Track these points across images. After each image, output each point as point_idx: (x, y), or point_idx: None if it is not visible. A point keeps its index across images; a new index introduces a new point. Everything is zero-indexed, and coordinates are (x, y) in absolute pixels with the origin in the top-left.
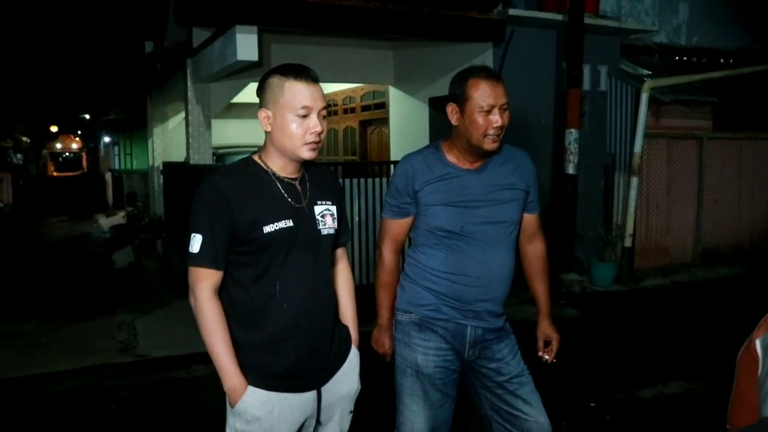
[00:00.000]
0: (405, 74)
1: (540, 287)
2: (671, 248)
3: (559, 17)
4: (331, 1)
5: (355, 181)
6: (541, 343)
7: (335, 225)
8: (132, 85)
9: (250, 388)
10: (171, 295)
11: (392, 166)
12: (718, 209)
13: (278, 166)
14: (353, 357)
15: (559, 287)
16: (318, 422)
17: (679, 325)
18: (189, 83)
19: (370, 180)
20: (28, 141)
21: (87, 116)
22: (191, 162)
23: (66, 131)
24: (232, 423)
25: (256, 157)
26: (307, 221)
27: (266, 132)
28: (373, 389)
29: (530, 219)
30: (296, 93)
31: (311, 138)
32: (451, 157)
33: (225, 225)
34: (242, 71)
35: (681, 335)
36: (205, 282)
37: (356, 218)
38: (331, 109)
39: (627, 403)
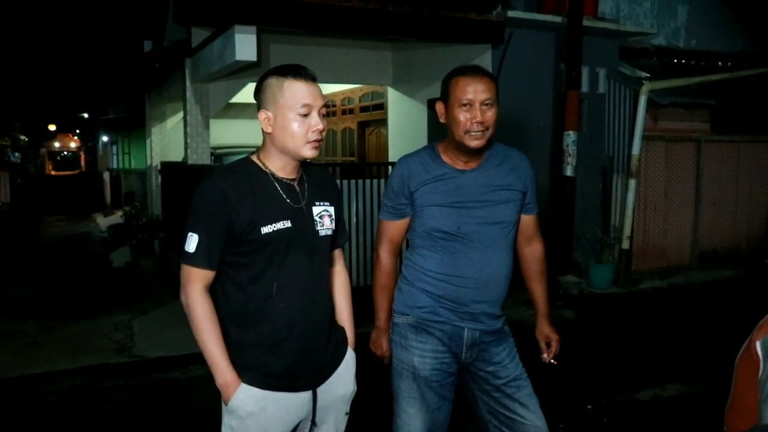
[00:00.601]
0: (404, 75)
1: (538, 289)
2: (669, 251)
3: (558, 19)
4: (330, 1)
5: (353, 182)
6: (543, 345)
7: (333, 226)
8: (131, 85)
9: (244, 386)
10: (168, 296)
11: (390, 167)
12: (715, 212)
13: (277, 166)
14: (349, 358)
15: (557, 289)
16: (313, 423)
17: (676, 328)
18: (187, 83)
19: (368, 181)
20: (26, 140)
21: (85, 115)
22: (189, 162)
23: (64, 130)
24: (227, 421)
25: (254, 158)
26: (306, 222)
27: (266, 133)
28: (369, 391)
29: (528, 220)
30: (296, 92)
31: (313, 136)
32: (446, 158)
33: (222, 225)
34: (241, 71)
35: (678, 338)
36: (197, 281)
37: (354, 219)
38: (329, 110)
39: (624, 406)
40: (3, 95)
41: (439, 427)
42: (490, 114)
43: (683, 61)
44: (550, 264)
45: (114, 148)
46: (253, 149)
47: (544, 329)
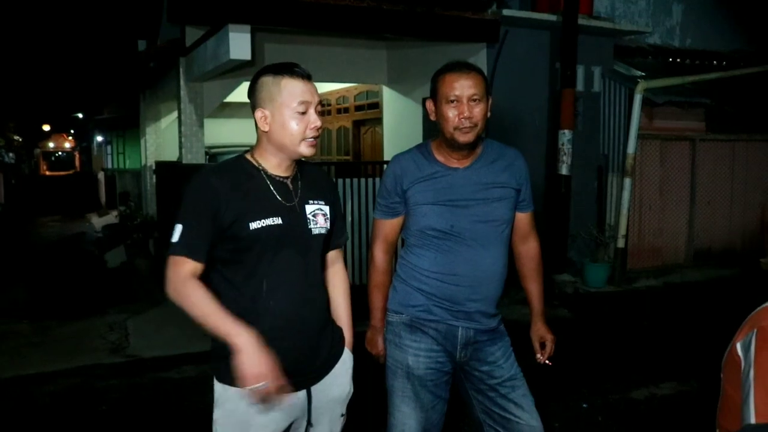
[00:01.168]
0: (399, 74)
1: (534, 288)
2: (664, 249)
3: (553, 18)
4: (325, 0)
5: (348, 181)
6: (537, 345)
7: (327, 225)
8: (125, 84)
9: (235, 391)
10: (163, 296)
11: (386, 166)
12: (710, 211)
13: (272, 164)
14: (347, 359)
15: (552, 288)
16: (309, 424)
17: (671, 327)
18: (182, 82)
19: (363, 180)
20: (21, 140)
21: (80, 115)
22: (184, 161)
23: (58, 130)
24: (217, 416)
25: (248, 156)
26: (298, 220)
27: (263, 131)
28: (367, 391)
29: (523, 218)
30: (294, 90)
31: (311, 134)
32: (439, 156)
33: (207, 219)
34: (235, 70)
35: (673, 336)
36: (180, 268)
37: (349, 218)
38: (324, 108)
39: (619, 405)
40: None
41: (433, 426)
42: (478, 110)
43: (678, 59)
44: (545, 263)
45: (108, 148)
46: (248, 148)
47: (539, 329)
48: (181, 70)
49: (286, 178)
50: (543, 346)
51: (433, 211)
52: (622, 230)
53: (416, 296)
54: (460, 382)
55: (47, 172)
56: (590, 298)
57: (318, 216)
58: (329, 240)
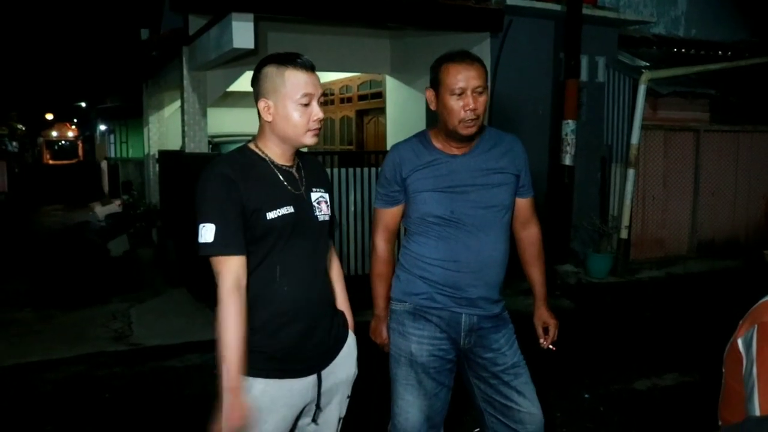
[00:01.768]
0: (402, 64)
1: (536, 273)
2: (667, 240)
3: (557, 7)
4: None
5: (351, 170)
6: (540, 330)
7: (329, 212)
8: (128, 73)
9: (249, 379)
10: (166, 284)
11: None
12: (714, 202)
13: (276, 154)
14: (351, 341)
15: (555, 278)
16: (318, 407)
17: (674, 318)
18: (185, 71)
19: (366, 169)
20: (24, 129)
21: (83, 104)
22: (187, 150)
23: (62, 119)
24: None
25: (252, 146)
26: (306, 208)
27: (266, 122)
28: (369, 376)
29: (523, 204)
30: (298, 82)
31: (314, 125)
32: (437, 144)
33: (237, 210)
34: (238, 59)
35: (676, 328)
36: (227, 270)
37: (352, 208)
38: (327, 98)
39: (621, 395)
40: (0, 84)
41: (437, 413)
42: (482, 100)
43: (683, 50)
44: (548, 253)
45: (111, 137)
46: (251, 138)
47: (543, 314)
48: (184, 59)
49: (291, 167)
50: (546, 331)
51: (432, 197)
52: (625, 221)
53: (419, 284)
54: (463, 369)
55: (50, 161)
56: (593, 288)
57: (321, 203)
58: (331, 226)
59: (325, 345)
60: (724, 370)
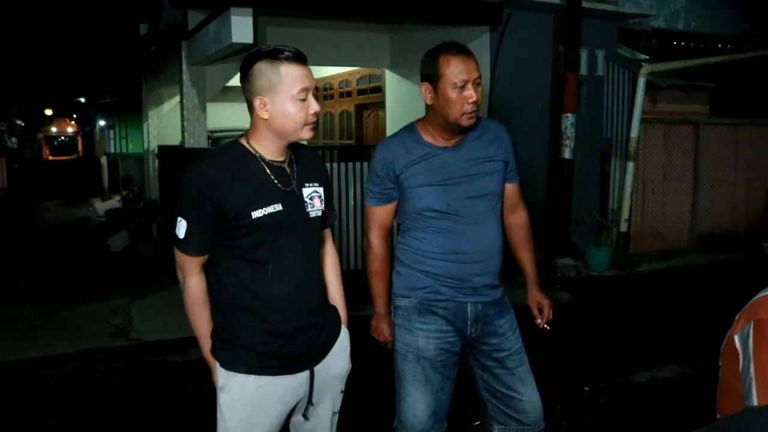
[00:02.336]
0: (401, 58)
1: (526, 256)
2: (667, 233)
3: (556, 0)
4: None
5: (350, 165)
6: (535, 310)
7: (322, 207)
8: (127, 68)
9: (241, 376)
10: (166, 279)
11: None
12: (713, 195)
13: (268, 149)
14: (344, 337)
15: (555, 271)
16: (310, 403)
17: (673, 310)
18: (184, 66)
19: (366, 164)
20: (23, 124)
21: (82, 100)
22: (186, 145)
23: (61, 115)
24: (222, 401)
25: (243, 141)
26: (297, 204)
27: (262, 119)
28: (364, 370)
29: (511, 189)
30: (294, 77)
31: (312, 119)
32: (427, 137)
33: (210, 212)
34: (237, 54)
35: (675, 320)
36: (190, 266)
37: (351, 202)
38: (327, 92)
39: (621, 388)
40: None
41: (442, 407)
42: (479, 91)
43: (682, 43)
44: (548, 246)
45: (111, 132)
46: (243, 133)
47: (535, 295)
48: (183, 54)
49: (283, 162)
50: (541, 311)
51: (429, 192)
52: (625, 214)
53: (422, 278)
54: (466, 361)
55: (50, 157)
56: (593, 281)
57: (314, 199)
58: (324, 220)
59: (318, 342)
60: (720, 365)
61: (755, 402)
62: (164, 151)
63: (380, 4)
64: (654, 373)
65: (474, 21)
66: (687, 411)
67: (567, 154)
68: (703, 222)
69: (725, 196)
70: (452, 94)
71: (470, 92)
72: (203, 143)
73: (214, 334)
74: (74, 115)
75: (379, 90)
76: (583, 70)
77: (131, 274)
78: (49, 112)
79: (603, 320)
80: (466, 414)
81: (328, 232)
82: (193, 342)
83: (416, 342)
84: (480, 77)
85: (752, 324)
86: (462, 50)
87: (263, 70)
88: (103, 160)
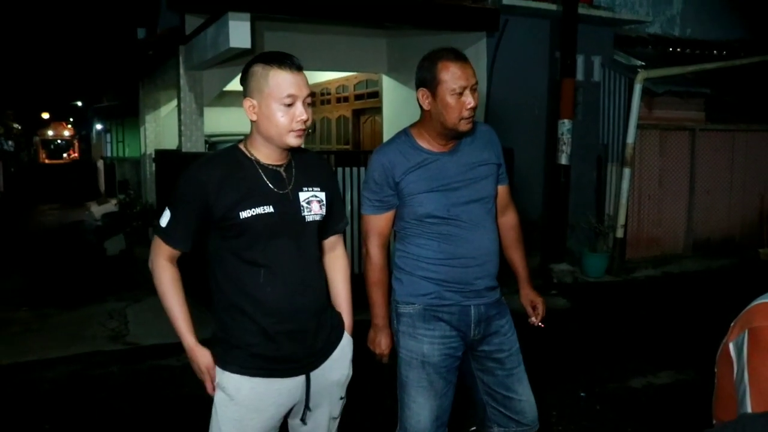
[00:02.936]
0: (398, 63)
1: (517, 256)
2: (663, 239)
3: (553, 7)
4: None
5: (347, 170)
6: (529, 309)
7: (322, 211)
8: (124, 72)
9: (235, 376)
10: None
11: None
12: (709, 201)
13: (263, 153)
14: (345, 344)
15: (551, 277)
16: (307, 408)
17: (669, 316)
18: (181, 70)
19: (363, 169)
20: (20, 128)
21: (79, 103)
22: (183, 150)
23: (58, 118)
24: (218, 401)
25: (241, 146)
26: (291, 207)
27: (252, 120)
28: (367, 377)
29: (502, 190)
30: (281, 82)
31: (297, 126)
32: (423, 143)
33: (194, 211)
34: (235, 59)
35: (671, 326)
36: (163, 253)
37: (349, 207)
38: (324, 97)
39: (617, 393)
40: None
41: (444, 412)
42: (476, 96)
43: (678, 49)
44: (544, 252)
45: (108, 136)
46: (243, 137)
47: (528, 293)
48: (180, 58)
49: (279, 166)
50: (535, 309)
51: (429, 198)
52: (621, 220)
53: (425, 285)
54: (467, 365)
55: (46, 160)
56: (589, 287)
57: (313, 203)
58: (326, 226)
59: (314, 346)
60: (716, 371)
61: (749, 410)
62: (161, 155)
63: (378, 9)
64: (650, 379)
65: (471, 27)
66: (683, 417)
67: (563, 159)
68: (698, 228)
69: (721, 202)
70: (451, 100)
71: (468, 98)
72: (200, 148)
73: (212, 334)
74: (71, 119)
75: (376, 95)
76: (580, 76)
77: (127, 278)
78: (45, 115)
79: (599, 326)
80: (461, 419)
81: (338, 238)
82: None
83: (421, 348)
84: (477, 83)
85: (747, 332)
86: (459, 56)
87: (256, 72)
88: (100, 163)
